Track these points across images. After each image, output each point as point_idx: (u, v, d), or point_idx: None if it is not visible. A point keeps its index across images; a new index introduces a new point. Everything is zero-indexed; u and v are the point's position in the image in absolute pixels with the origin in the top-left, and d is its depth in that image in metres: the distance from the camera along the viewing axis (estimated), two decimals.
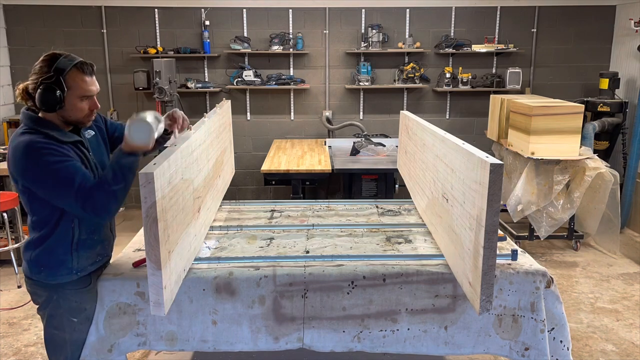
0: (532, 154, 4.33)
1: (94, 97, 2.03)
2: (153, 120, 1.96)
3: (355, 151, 4.96)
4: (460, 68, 5.90)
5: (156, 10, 5.76)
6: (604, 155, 5.24)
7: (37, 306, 2.11)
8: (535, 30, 5.91)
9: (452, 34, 5.87)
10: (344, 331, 2.26)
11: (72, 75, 1.93)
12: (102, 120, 2.28)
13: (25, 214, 2.10)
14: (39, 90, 1.89)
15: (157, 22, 5.78)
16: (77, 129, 2.07)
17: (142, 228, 1.82)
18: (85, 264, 2.10)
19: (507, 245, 2.54)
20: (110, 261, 2.37)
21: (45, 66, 1.92)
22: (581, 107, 4.35)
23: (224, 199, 3.15)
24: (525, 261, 2.35)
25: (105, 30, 5.76)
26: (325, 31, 5.86)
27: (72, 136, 2.02)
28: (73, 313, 2.10)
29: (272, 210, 3.15)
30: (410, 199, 3.20)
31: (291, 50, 5.75)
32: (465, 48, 5.77)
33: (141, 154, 1.96)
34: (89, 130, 2.15)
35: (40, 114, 1.97)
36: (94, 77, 2.01)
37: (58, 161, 1.87)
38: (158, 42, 5.81)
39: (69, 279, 2.06)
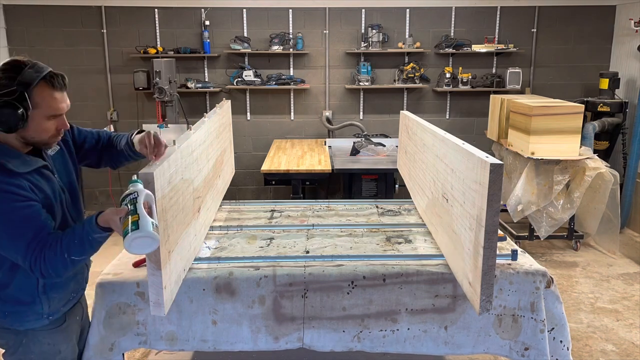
0: (532, 154, 4.33)
1: (63, 116, 1.71)
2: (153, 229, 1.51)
3: (355, 151, 4.96)
4: (460, 68, 5.90)
5: (156, 10, 5.76)
6: (604, 155, 5.24)
7: (3, 352, 1.84)
8: (535, 30, 5.91)
9: (452, 34, 5.87)
10: (344, 331, 2.26)
11: (39, 90, 1.62)
12: (68, 132, 1.92)
13: None
14: None
15: (157, 22, 5.78)
16: (37, 150, 1.76)
17: None
18: (58, 306, 1.83)
19: (507, 245, 2.54)
20: (110, 261, 2.37)
21: (5, 78, 1.59)
22: (581, 107, 4.35)
23: (224, 199, 3.15)
24: (525, 261, 2.35)
25: (105, 30, 5.76)
26: (325, 31, 5.86)
27: (34, 162, 1.69)
28: (47, 357, 1.84)
29: (272, 210, 3.15)
30: (410, 199, 3.20)
31: (291, 50, 5.75)
32: (465, 48, 5.77)
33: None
34: (51, 151, 1.83)
35: None
36: (65, 92, 1.69)
37: (10, 209, 1.57)
38: (158, 42, 5.81)
39: (40, 324, 1.80)
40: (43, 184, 1.70)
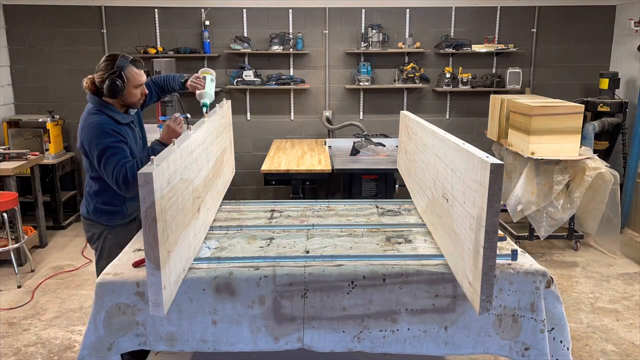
0: (532, 154, 4.33)
1: (143, 85, 2.64)
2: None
3: (355, 151, 4.95)
4: (460, 68, 5.90)
5: (156, 10, 5.76)
6: (604, 155, 5.24)
7: (90, 242, 2.74)
8: (535, 30, 5.91)
9: (452, 34, 5.87)
10: (344, 331, 2.26)
11: (128, 70, 2.54)
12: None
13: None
14: (106, 82, 2.49)
15: (157, 22, 5.78)
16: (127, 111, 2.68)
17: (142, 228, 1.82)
18: (133, 210, 2.72)
19: (507, 245, 2.54)
20: (110, 263, 2.38)
21: (109, 64, 2.52)
22: (581, 107, 4.35)
23: (224, 199, 3.15)
24: (525, 261, 2.34)
25: (105, 30, 5.76)
26: (325, 31, 5.86)
27: (128, 118, 2.64)
28: (120, 246, 2.53)
29: (272, 210, 3.15)
30: (410, 199, 3.20)
31: (291, 50, 5.75)
32: (465, 48, 5.77)
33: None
34: (136, 112, 2.76)
35: (103, 98, 2.56)
36: (142, 70, 2.60)
37: (114, 141, 2.49)
38: (158, 42, 5.81)
39: (123, 222, 2.71)
40: (130, 133, 2.66)
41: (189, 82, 2.97)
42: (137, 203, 2.61)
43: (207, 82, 3.00)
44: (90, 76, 2.60)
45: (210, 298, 2.21)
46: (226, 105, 3.33)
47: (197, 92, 2.97)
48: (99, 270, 2.63)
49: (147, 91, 2.72)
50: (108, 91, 2.51)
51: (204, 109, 2.91)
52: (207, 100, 2.98)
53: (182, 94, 5.62)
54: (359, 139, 5.14)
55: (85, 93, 2.64)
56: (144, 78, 2.63)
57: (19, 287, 4.21)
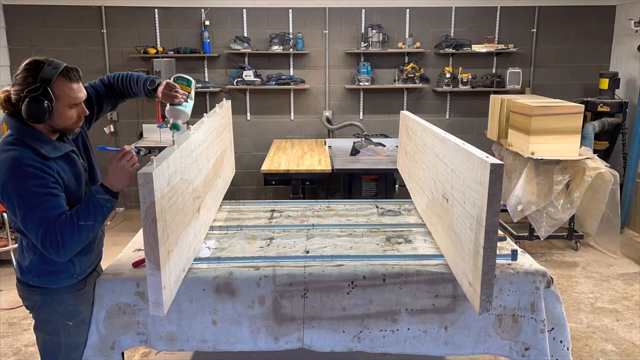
0: (532, 154, 4.33)
1: (82, 103, 1.95)
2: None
3: (355, 151, 4.95)
4: (460, 68, 5.90)
5: (156, 10, 5.76)
6: (604, 155, 5.24)
7: (29, 311, 2.07)
8: (535, 30, 5.91)
9: (452, 34, 5.87)
10: (343, 331, 2.26)
11: (59, 84, 1.84)
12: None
13: None
14: (25, 102, 1.79)
15: (157, 22, 5.78)
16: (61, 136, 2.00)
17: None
18: (85, 267, 2.09)
19: (507, 245, 2.54)
20: (110, 261, 2.37)
21: (29, 76, 1.81)
22: (581, 107, 4.35)
23: (224, 199, 3.15)
24: (525, 261, 2.35)
25: (105, 30, 5.76)
26: (325, 31, 5.86)
27: (63, 148, 1.95)
28: (68, 316, 2.07)
29: (272, 210, 3.15)
30: (410, 199, 3.20)
31: (291, 50, 5.75)
32: (465, 48, 5.77)
33: (116, 200, 1.93)
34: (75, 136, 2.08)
35: (25, 121, 1.86)
36: (80, 83, 1.92)
37: (38, 188, 1.80)
38: (158, 42, 5.81)
39: (69, 283, 2.03)
40: (67, 168, 1.95)
41: (160, 90, 2.22)
42: (89, 257, 2.10)
43: (190, 96, 2.29)
44: (6, 89, 1.88)
45: (210, 298, 2.21)
46: (226, 105, 3.33)
47: (172, 107, 2.22)
48: (42, 347, 2.08)
49: (86, 112, 1.98)
50: (28, 114, 1.80)
51: (174, 131, 2.20)
52: (183, 120, 2.24)
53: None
54: (359, 139, 5.14)
55: None
56: (82, 94, 1.92)
57: None
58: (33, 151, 1.83)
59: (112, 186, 1.90)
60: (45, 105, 1.80)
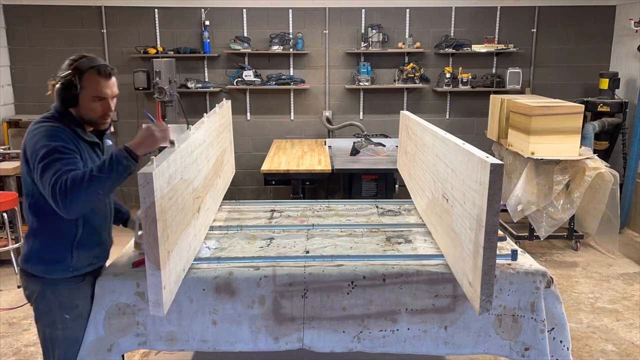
0: (532, 154, 4.33)
1: (108, 100, 2.06)
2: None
3: (355, 151, 4.95)
4: (460, 68, 5.90)
5: (156, 10, 5.76)
6: (604, 155, 5.24)
7: (29, 301, 2.13)
8: (535, 30, 5.91)
9: (452, 34, 5.87)
10: (343, 331, 2.26)
11: (88, 76, 2.00)
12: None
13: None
14: (57, 86, 2.01)
15: (157, 22, 5.78)
16: (99, 134, 2.16)
17: None
18: (82, 264, 2.12)
19: (507, 245, 2.54)
20: (110, 262, 2.37)
21: (67, 66, 2.03)
22: (581, 107, 4.35)
23: (224, 199, 3.15)
24: (525, 261, 2.34)
25: (105, 30, 5.76)
26: (325, 31, 5.86)
27: (91, 137, 2.11)
28: (65, 309, 2.10)
29: (272, 210, 3.15)
30: (410, 199, 3.20)
31: (291, 50, 5.75)
32: (465, 48, 5.77)
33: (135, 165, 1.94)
34: (107, 140, 2.25)
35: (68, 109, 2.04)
36: (112, 80, 2.06)
37: (64, 148, 1.91)
38: (158, 42, 5.81)
39: (64, 276, 2.07)
40: (91, 153, 2.08)
41: (131, 223, 2.45)
42: (89, 253, 2.13)
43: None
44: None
45: (210, 298, 2.21)
46: (226, 105, 3.33)
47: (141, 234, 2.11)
48: (42, 339, 2.13)
49: (112, 109, 2.10)
50: (57, 97, 2.02)
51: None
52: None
53: (182, 94, 5.64)
54: (359, 139, 5.14)
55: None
56: (108, 90, 2.04)
57: (19, 287, 4.20)
58: (68, 128, 2.01)
59: (136, 148, 1.93)
60: (72, 91, 1.99)
